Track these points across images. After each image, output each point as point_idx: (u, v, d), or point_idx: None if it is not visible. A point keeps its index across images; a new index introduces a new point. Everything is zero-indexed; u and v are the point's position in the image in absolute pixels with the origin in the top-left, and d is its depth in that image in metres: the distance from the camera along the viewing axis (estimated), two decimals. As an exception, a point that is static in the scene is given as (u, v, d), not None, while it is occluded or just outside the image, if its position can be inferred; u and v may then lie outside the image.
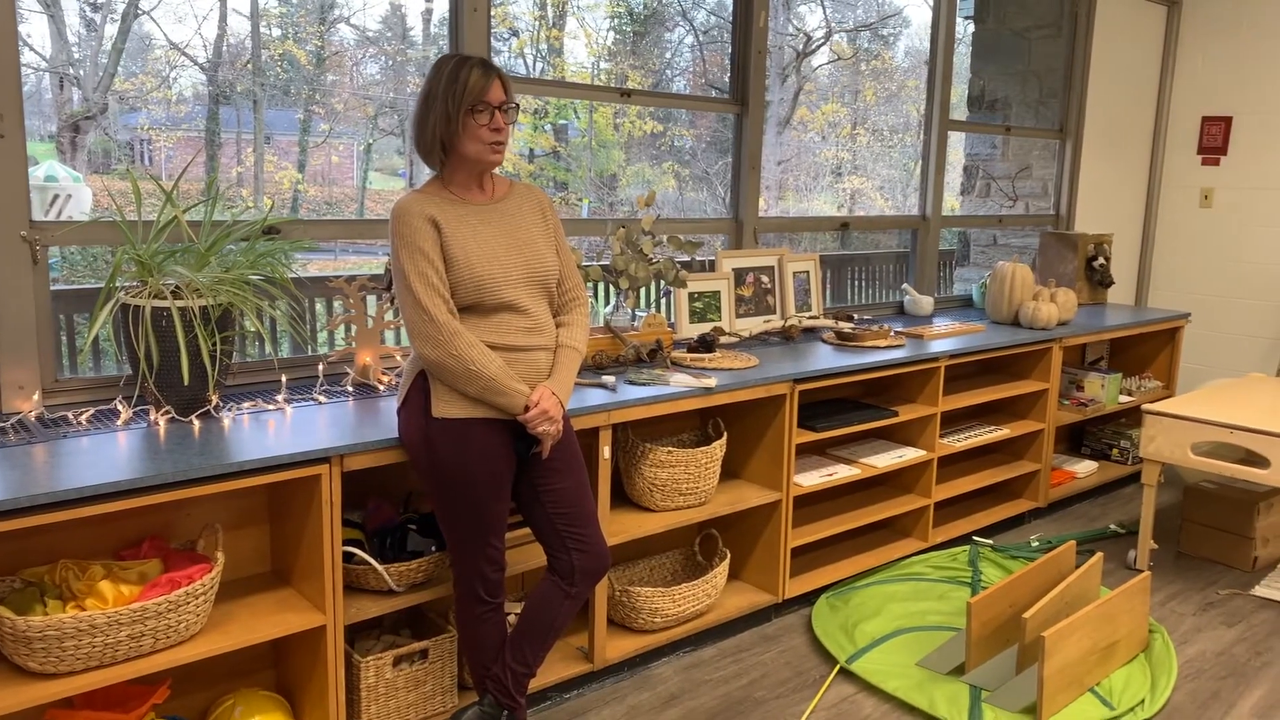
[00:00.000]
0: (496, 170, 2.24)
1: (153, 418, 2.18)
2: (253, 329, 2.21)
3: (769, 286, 3.68)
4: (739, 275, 3.58)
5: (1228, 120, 5.29)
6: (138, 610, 1.85)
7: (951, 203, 5.81)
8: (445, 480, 2.09)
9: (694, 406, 2.73)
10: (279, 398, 2.40)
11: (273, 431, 2.15)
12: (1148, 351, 4.77)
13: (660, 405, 2.64)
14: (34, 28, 14.46)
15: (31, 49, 14.85)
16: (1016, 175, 5.20)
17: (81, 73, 14.78)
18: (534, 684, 2.54)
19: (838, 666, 2.84)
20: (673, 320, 3.38)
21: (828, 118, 18.82)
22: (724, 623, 3.01)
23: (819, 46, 18.52)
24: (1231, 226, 5.32)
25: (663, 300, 3.34)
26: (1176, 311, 4.68)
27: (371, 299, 2.67)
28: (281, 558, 2.30)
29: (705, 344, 3.14)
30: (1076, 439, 4.78)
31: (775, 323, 3.63)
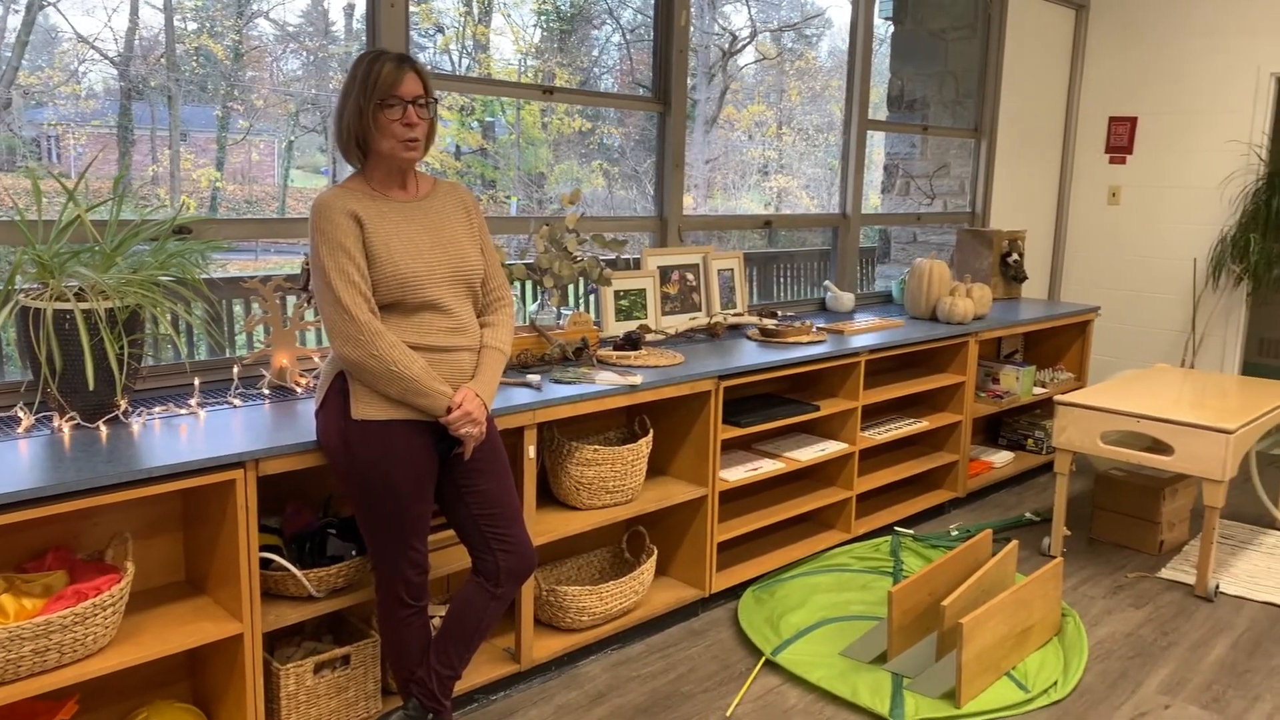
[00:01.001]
0: (420, 168, 2.21)
1: (56, 424, 2.11)
2: (164, 332, 2.15)
3: (694, 284, 3.70)
4: (664, 273, 3.60)
5: (1133, 120, 5.49)
6: (41, 624, 1.79)
7: (875, 201, 5.93)
8: (365, 483, 2.06)
9: (620, 404, 2.73)
10: (192, 402, 2.34)
11: (184, 436, 2.09)
12: (1060, 344, 4.93)
13: (585, 404, 2.63)
14: (-71, 20, 13.84)
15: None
16: (934, 174, 5.33)
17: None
18: (460, 686, 2.52)
19: (763, 658, 2.87)
20: (599, 318, 3.39)
21: (754, 117, 19.02)
22: (652, 619, 3.02)
23: (744, 46, 18.71)
24: (1137, 223, 5.53)
25: (589, 299, 3.34)
26: (1086, 305, 4.84)
27: (290, 299, 2.62)
28: (196, 566, 2.24)
29: (631, 342, 3.15)
30: (994, 430, 4.91)
31: (701, 320, 3.66)
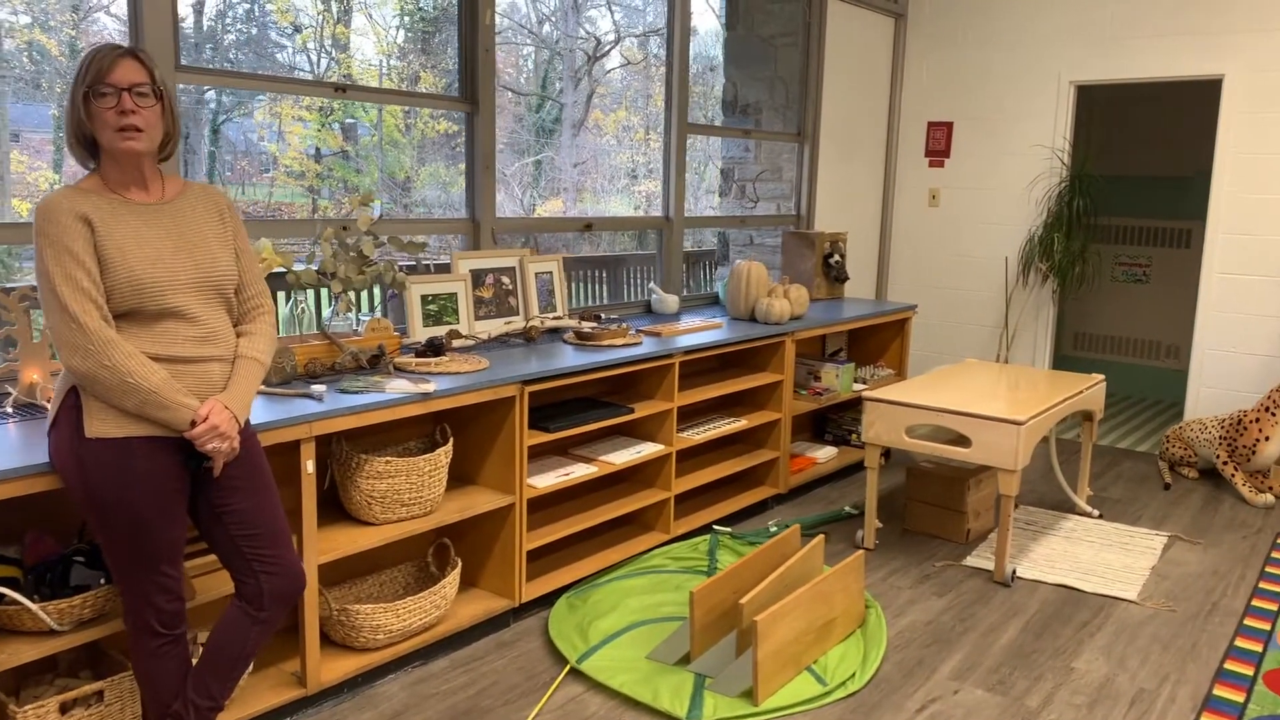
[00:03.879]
0: (160, 167, 2.08)
1: None
2: None
3: (510, 288, 3.64)
4: (477, 276, 3.52)
5: (949, 125, 5.72)
6: None
7: (717, 203, 6.00)
8: (103, 506, 1.91)
9: (412, 413, 2.65)
10: (-82, 423, 2.14)
11: (-105, 463, 1.90)
12: (881, 342, 5.08)
13: (370, 414, 2.53)
14: None
15: None
16: (757, 178, 5.42)
17: None
18: (240, 713, 2.38)
19: (568, 667, 2.83)
20: (405, 324, 3.28)
21: (620, 122, 19.11)
22: (458, 632, 2.94)
23: (609, 50, 18.78)
24: (956, 224, 5.76)
25: (387, 304, 3.24)
26: (904, 304, 5.00)
27: (38, 312, 2.42)
28: (-81, 604, 2.04)
29: (434, 348, 3.06)
30: (820, 426, 5.03)
31: (517, 324, 3.60)
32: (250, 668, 2.44)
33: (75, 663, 2.31)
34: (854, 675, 2.82)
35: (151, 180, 2.04)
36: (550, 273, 3.79)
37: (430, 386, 2.69)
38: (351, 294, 2.86)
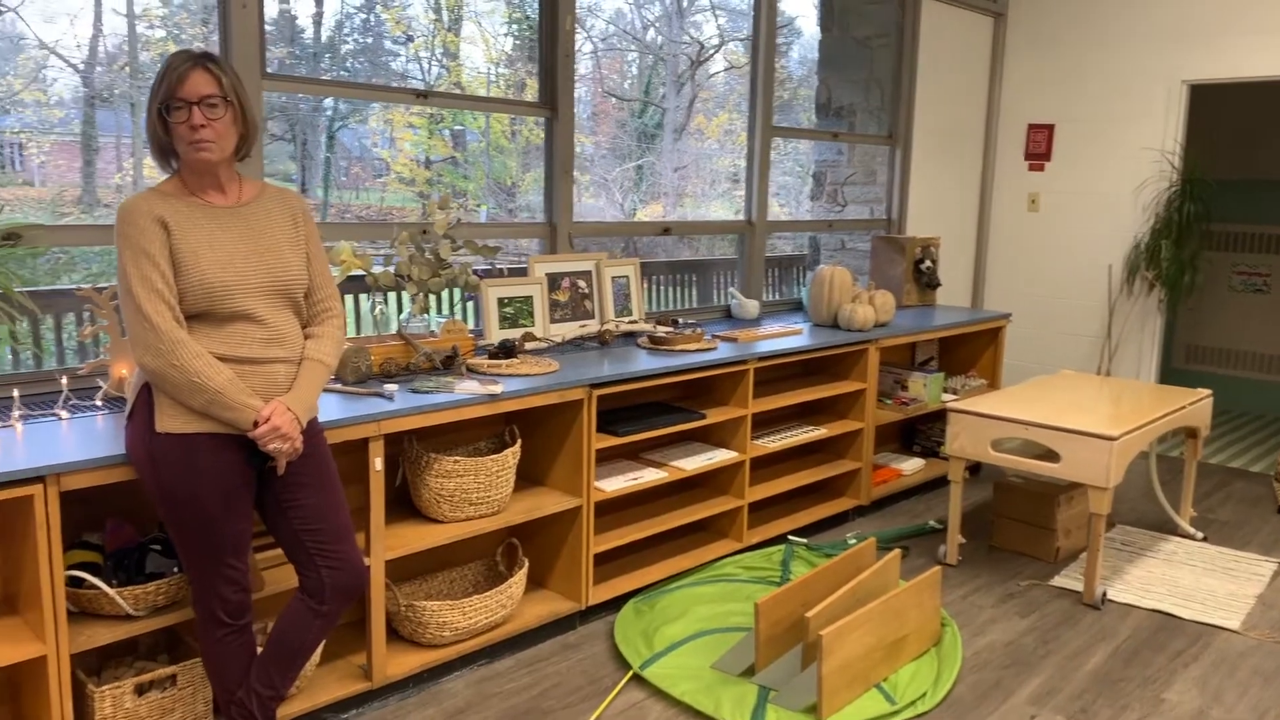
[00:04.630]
0: (240, 171, 2.15)
1: None
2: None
3: (586, 292, 3.65)
4: (553, 280, 3.54)
5: (1050, 128, 5.50)
6: None
7: (807, 207, 5.91)
8: (172, 499, 1.99)
9: (480, 414, 2.67)
10: (15, 414, 2.26)
11: (-11, 450, 2.01)
12: (974, 351, 4.92)
13: (438, 414, 2.57)
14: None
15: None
16: (846, 181, 5.31)
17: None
18: (306, 704, 2.45)
19: (630, 672, 2.82)
20: (481, 326, 3.33)
21: (723, 125, 19.07)
22: (524, 633, 2.96)
23: (712, 55, 18.77)
24: (1056, 229, 5.54)
25: (465, 306, 3.29)
26: (998, 312, 4.83)
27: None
28: (10, 584, 2.16)
29: (506, 350, 3.09)
30: (909, 437, 4.89)
31: (592, 327, 3.61)
32: (317, 659, 2.50)
33: (155, 646, 2.41)
34: (925, 695, 2.72)
35: (228, 183, 2.11)
36: (627, 277, 3.79)
37: (498, 388, 2.72)
38: (426, 296, 2.91)
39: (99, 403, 2.42)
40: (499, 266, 3.28)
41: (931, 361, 5.03)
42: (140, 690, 2.19)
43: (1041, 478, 3.88)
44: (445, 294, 3.15)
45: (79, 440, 2.12)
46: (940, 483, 4.69)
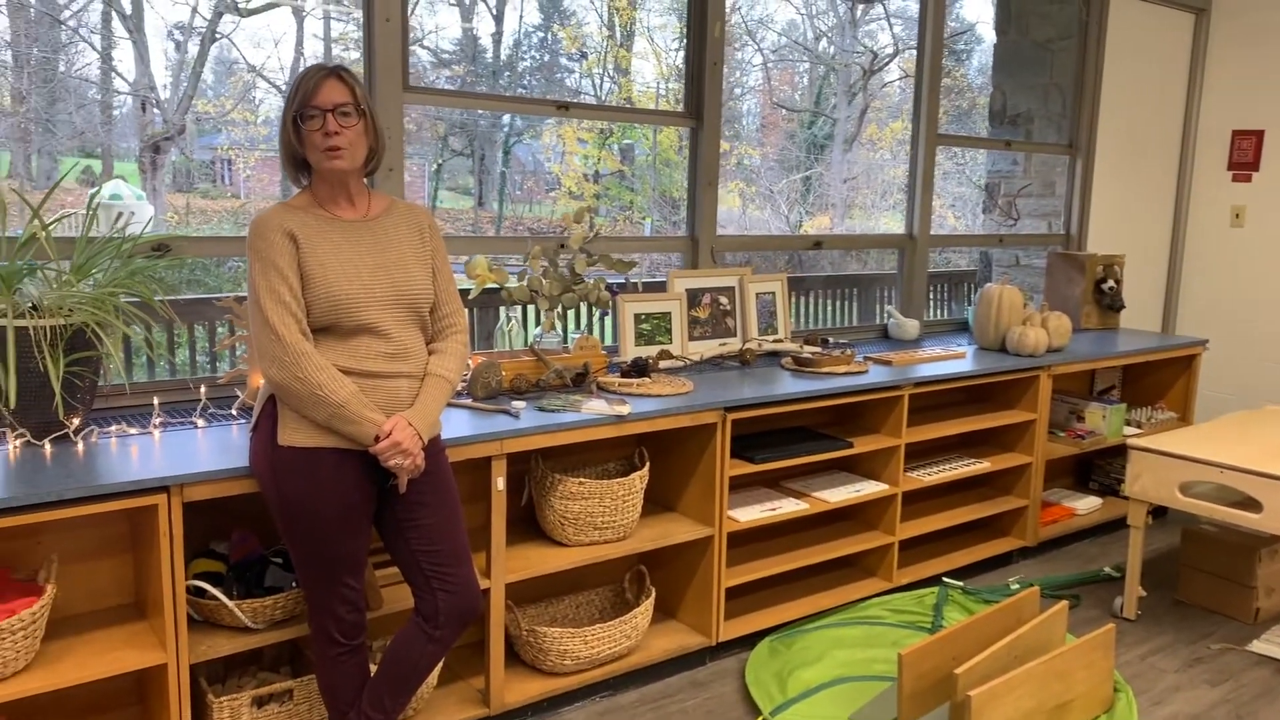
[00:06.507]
0: (369, 185, 2.13)
1: (9, 441, 2.11)
2: (108, 352, 2.12)
3: (728, 308, 3.50)
4: (693, 296, 3.41)
5: (1260, 134, 4.94)
6: (-59, 646, 1.76)
7: (980, 220, 5.55)
8: (290, 513, 1.97)
9: (605, 435, 2.57)
10: (157, 422, 2.31)
11: (120, 456, 2.05)
12: (1163, 381, 4.45)
13: (560, 434, 2.48)
14: (121, 53, 15.07)
15: (118, 74, 15.46)
16: (1018, 193, 4.93)
17: (164, 95, 15.33)
18: (419, 728, 2.40)
19: (760, 718, 2.63)
20: (617, 342, 3.23)
21: (896, 135, 18.50)
22: (650, 666, 2.82)
23: (886, 64, 18.27)
24: (1264, 246, 4.96)
25: (602, 321, 3.20)
26: (1192, 338, 4.35)
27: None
28: (141, 590, 2.20)
29: (638, 368, 2.97)
30: (1085, 473, 4.47)
31: (732, 346, 3.45)
32: (434, 680, 2.45)
33: (278, 657, 2.42)
34: (1092, 771, 2.42)
35: (358, 197, 2.09)
36: (773, 293, 3.61)
37: (625, 409, 2.60)
38: (558, 311, 2.83)
39: (235, 412, 2.46)
40: (633, 281, 3.18)
41: (1113, 391, 4.58)
42: (259, 703, 2.19)
43: (1240, 528, 3.43)
44: (583, 309, 3.06)
45: (210, 450, 2.14)
46: (1121, 524, 4.25)
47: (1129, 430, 4.14)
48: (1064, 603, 2.81)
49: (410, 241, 2.11)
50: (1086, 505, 4.13)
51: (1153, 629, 3.26)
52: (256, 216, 1.99)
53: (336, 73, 1.98)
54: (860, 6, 17.64)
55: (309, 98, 1.95)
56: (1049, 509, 4.00)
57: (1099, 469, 4.41)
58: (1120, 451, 4.36)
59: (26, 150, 15.44)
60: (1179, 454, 3.08)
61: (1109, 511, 4.15)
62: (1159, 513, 4.40)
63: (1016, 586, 3.50)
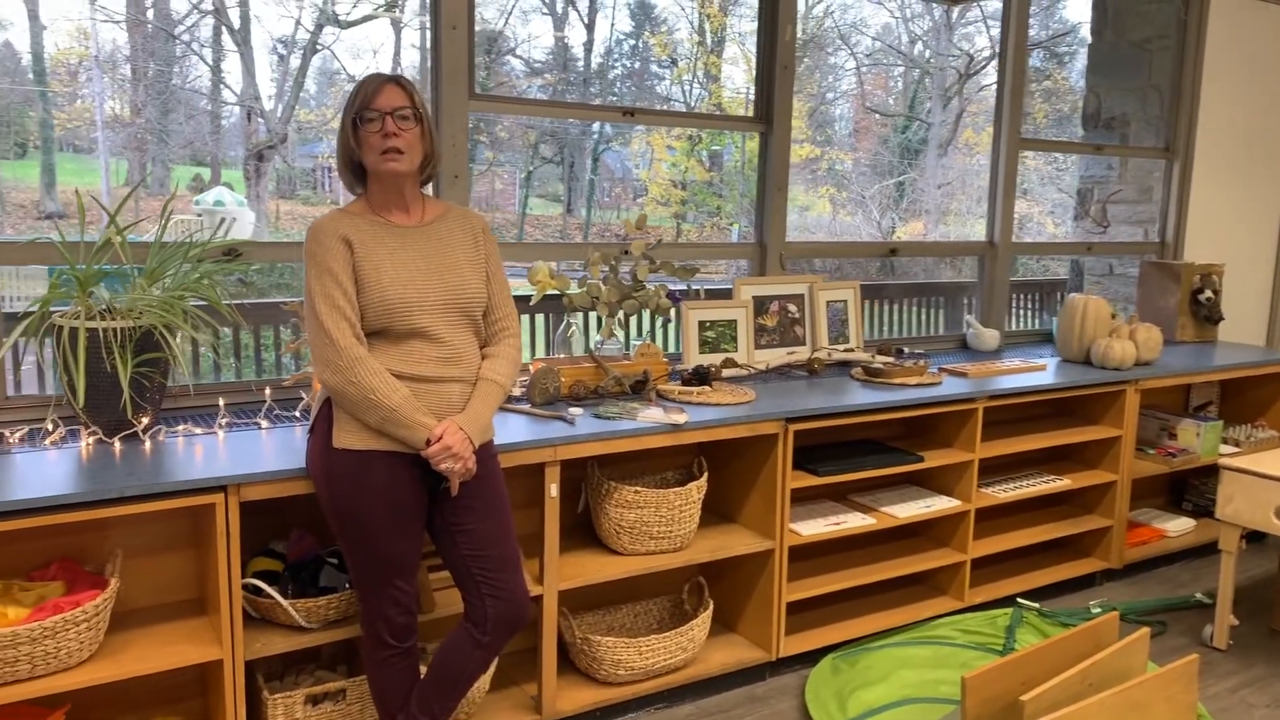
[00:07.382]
0: (430, 192, 2.16)
1: (82, 438, 2.19)
2: (175, 354, 2.19)
3: (797, 316, 3.44)
4: (760, 303, 3.36)
5: (1378, 135, 4.63)
6: (8, 635, 1.83)
7: (1072, 227, 5.35)
8: (343, 515, 1.99)
9: (661, 444, 2.54)
10: (222, 422, 2.38)
11: (196, 457, 2.11)
12: (1264, 398, 4.20)
13: (615, 441, 2.46)
14: (229, 65, 15.74)
15: (226, 86, 16.14)
16: (1109, 198, 4.72)
17: (268, 105, 15.92)
18: (470, 733, 2.40)
19: (816, 738, 2.57)
20: (680, 350, 3.20)
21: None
22: (708, 678, 2.78)
23: (983, 67, 17.83)
24: (1382, 256, 4.65)
25: (665, 329, 3.16)
26: (1297, 352, 4.10)
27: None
28: (203, 586, 2.26)
29: (699, 376, 2.94)
30: (1178, 492, 4.25)
31: (801, 355, 3.39)
32: (486, 685, 2.45)
33: (335, 656, 2.45)
34: (1169, 810, 2.28)
35: (413, 203, 2.11)
36: (845, 301, 3.53)
37: (682, 418, 2.57)
38: (619, 318, 2.82)
39: (299, 414, 2.51)
40: (694, 289, 3.14)
41: (1209, 407, 4.35)
42: (313, 701, 2.23)
43: (1346, 555, 3.21)
44: (645, 315, 3.04)
45: (271, 451, 2.18)
46: (1214, 548, 4.03)
47: (1226, 449, 3.92)
48: (1145, 629, 2.66)
49: (464, 246, 2.12)
50: (1178, 527, 3.93)
51: (1244, 660, 3.07)
52: (314, 222, 2.03)
53: (396, 80, 2.02)
54: (957, 9, 17.25)
55: (369, 101, 1.98)
56: (1136, 529, 3.81)
57: (1194, 489, 4.19)
58: (1215, 471, 4.13)
59: (142, 159, 16.23)
60: (1274, 475, 2.90)
61: (1203, 534, 3.94)
62: (1256, 537, 4.15)
63: (1097, 610, 3.34)
